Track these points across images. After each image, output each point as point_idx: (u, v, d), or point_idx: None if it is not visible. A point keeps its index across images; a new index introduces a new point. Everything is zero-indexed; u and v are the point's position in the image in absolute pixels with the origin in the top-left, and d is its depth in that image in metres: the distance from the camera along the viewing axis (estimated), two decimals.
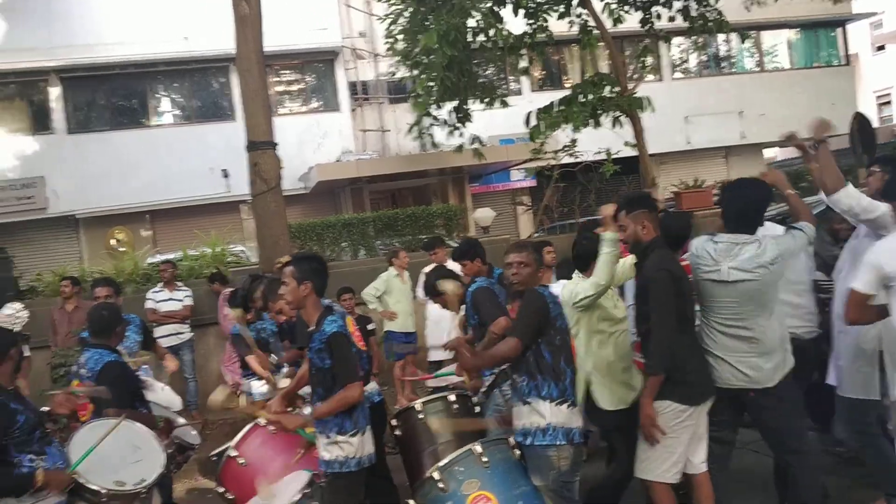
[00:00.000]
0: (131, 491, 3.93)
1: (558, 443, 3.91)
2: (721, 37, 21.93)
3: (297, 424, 4.02)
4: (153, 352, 6.54)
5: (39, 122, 18.74)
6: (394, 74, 14.66)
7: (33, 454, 3.72)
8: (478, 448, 4.02)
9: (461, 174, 19.59)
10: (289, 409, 4.85)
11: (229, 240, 12.51)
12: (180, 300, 9.37)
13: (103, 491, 3.82)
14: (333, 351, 3.99)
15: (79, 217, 18.31)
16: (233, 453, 4.70)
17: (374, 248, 12.13)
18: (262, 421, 4.72)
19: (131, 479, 3.96)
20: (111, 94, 19.33)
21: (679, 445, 4.00)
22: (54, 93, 18.51)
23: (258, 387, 6.13)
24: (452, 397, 4.79)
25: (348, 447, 4.03)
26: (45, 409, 4.13)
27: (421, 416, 4.72)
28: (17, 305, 4.06)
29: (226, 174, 18.02)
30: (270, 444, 4.69)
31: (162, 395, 5.37)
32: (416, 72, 12.44)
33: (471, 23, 11.25)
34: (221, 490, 4.76)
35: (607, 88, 11.30)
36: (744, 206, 4.19)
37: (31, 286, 11.22)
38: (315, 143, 18.21)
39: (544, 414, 3.92)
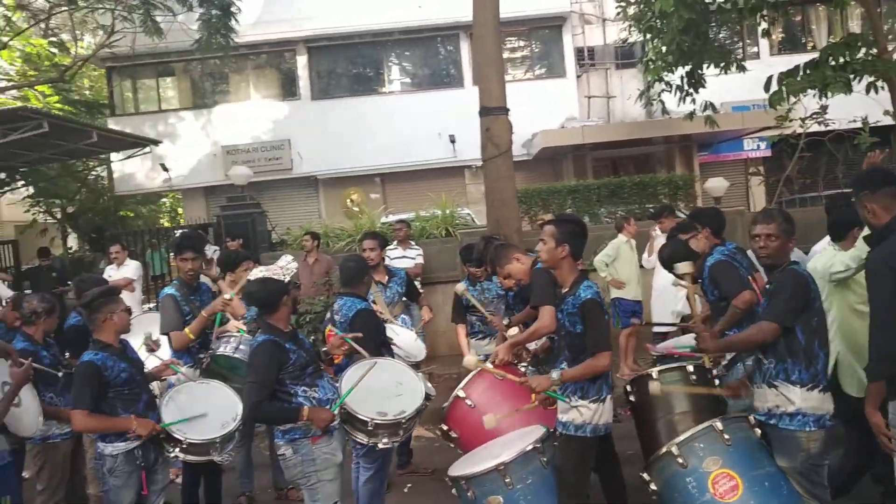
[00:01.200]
0: (392, 421, 4.31)
1: (808, 429, 3.70)
2: None
3: (546, 387, 4.11)
4: (417, 303, 6.97)
5: (287, 89, 20.38)
6: (625, 40, 14.31)
7: (306, 386, 4.20)
8: (718, 425, 3.89)
9: (689, 142, 18.87)
10: (513, 360, 5.00)
11: (457, 203, 12.93)
12: (412, 258, 9.82)
13: (368, 420, 4.23)
14: (586, 317, 4.00)
15: (319, 178, 19.74)
16: (461, 394, 4.87)
17: (597, 215, 12.02)
18: (489, 366, 4.88)
19: (392, 410, 4.33)
20: (351, 62, 20.54)
21: None
22: (301, 61, 19.98)
23: (483, 345, 6.40)
24: (691, 368, 4.62)
25: (586, 412, 4.06)
26: (324, 349, 4.59)
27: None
28: (288, 258, 4.53)
29: (453, 139, 18.57)
30: (497, 388, 4.81)
31: (407, 344, 5.70)
32: (648, 36, 12.06)
33: None
34: (445, 428, 4.94)
35: (863, 50, 10.29)
36: None
37: (281, 239, 12.31)
38: (539, 109, 18.22)
39: (794, 400, 3.71)
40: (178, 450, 4.35)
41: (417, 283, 9.75)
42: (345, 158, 19.01)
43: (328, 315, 5.40)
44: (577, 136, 17.51)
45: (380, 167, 19.42)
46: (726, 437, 3.86)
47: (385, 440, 4.39)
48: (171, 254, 5.70)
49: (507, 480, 4.11)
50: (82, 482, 5.48)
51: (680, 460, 3.88)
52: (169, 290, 5.57)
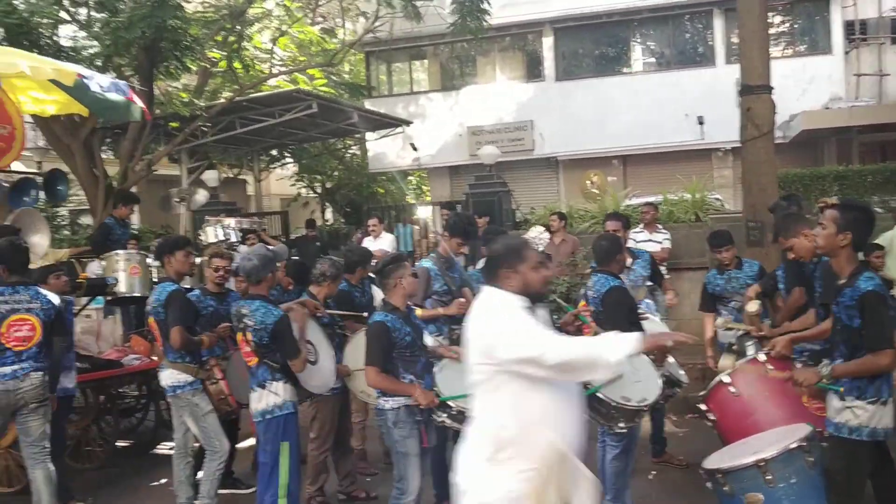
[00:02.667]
0: (634, 407, 4.26)
1: None
2: None
3: (813, 381, 3.87)
4: (660, 286, 6.88)
5: (532, 71, 20.60)
6: None
7: None
8: None
9: None
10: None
11: (708, 187, 12.40)
12: (659, 242, 9.54)
13: (612, 403, 4.20)
14: (865, 310, 3.71)
15: (560, 159, 19.79)
16: (725, 380, 4.69)
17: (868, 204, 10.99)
18: (761, 357, 4.66)
19: (635, 396, 4.28)
20: (596, 43, 20.32)
21: None
22: (547, 42, 20.05)
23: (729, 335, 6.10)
24: None
25: (862, 413, 3.75)
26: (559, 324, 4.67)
27: None
28: (540, 228, 4.66)
29: (701, 121, 17.77)
30: (765, 381, 4.59)
31: (656, 327, 5.62)
32: None
33: None
34: (704, 408, 4.80)
35: None
36: None
37: (525, 218, 12.53)
38: (799, 89, 16.92)
39: None
40: (445, 416, 4.58)
41: (663, 268, 9.55)
42: (585, 140, 18.87)
43: (582, 291, 5.46)
44: (844, 117, 16.08)
45: (620, 149, 19.05)
46: None
47: (621, 425, 4.35)
48: (445, 232, 5.97)
49: (767, 477, 3.90)
50: (348, 434, 5.98)
51: None
52: (426, 262, 5.85)
